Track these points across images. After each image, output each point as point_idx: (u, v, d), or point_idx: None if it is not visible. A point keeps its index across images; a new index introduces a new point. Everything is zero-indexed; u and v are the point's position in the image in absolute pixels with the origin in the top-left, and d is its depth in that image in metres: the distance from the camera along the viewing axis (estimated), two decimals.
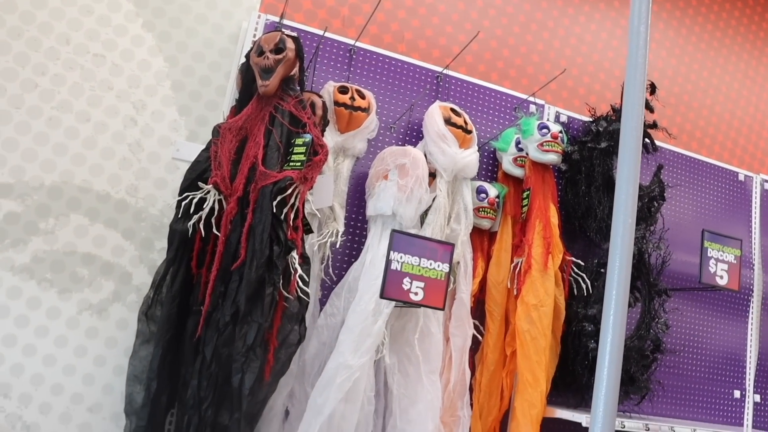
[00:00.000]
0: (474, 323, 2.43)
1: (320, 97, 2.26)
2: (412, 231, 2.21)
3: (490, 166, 2.70)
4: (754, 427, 3.11)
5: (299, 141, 2.10)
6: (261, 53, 2.14)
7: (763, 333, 3.21)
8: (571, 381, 2.49)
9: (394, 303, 2.10)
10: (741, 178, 3.34)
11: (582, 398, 2.55)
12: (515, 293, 2.40)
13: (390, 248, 2.03)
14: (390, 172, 2.29)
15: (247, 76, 2.21)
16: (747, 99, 3.68)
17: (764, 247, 3.31)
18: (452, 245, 2.13)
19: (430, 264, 2.08)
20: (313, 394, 2.03)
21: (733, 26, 3.73)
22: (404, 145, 2.45)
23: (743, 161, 3.56)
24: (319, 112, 2.22)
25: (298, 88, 2.20)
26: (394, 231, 2.06)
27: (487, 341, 2.42)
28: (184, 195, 2.07)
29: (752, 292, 3.22)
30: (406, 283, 2.04)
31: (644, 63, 1.11)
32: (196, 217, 2.04)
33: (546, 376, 2.32)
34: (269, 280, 1.94)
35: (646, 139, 2.72)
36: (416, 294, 2.05)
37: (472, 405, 2.38)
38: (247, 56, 2.20)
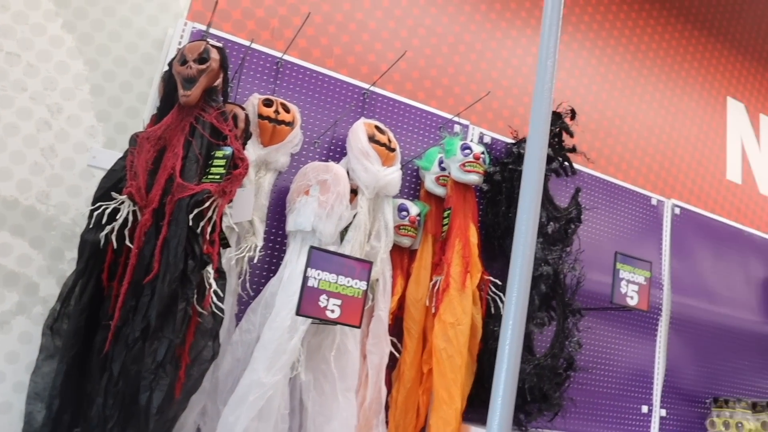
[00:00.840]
0: (392, 341, 2.44)
1: (243, 109, 2.23)
2: (332, 247, 2.21)
3: (413, 185, 2.72)
4: None
5: (219, 153, 2.07)
6: (184, 62, 2.11)
7: (670, 350, 3.35)
8: (487, 398, 2.53)
9: (310, 320, 2.08)
10: (654, 202, 3.49)
11: None
12: (433, 311, 2.42)
13: (307, 265, 2.02)
14: (311, 187, 2.28)
15: (169, 84, 2.17)
16: (661, 128, 3.85)
17: (673, 269, 3.46)
18: (370, 263, 2.14)
19: (348, 282, 2.08)
20: (225, 411, 1.99)
21: (651, 58, 3.91)
22: (328, 161, 2.44)
23: (656, 186, 3.72)
24: (242, 124, 2.19)
25: (221, 99, 2.17)
26: (312, 248, 2.05)
27: (404, 359, 2.43)
28: (97, 204, 2.00)
29: (661, 311, 3.36)
30: (322, 300, 2.03)
31: (550, 95, 1.15)
32: (108, 227, 1.97)
33: (461, 394, 2.35)
34: (182, 295, 1.89)
35: (566, 163, 2.81)
36: (333, 311, 2.04)
37: (387, 422, 2.39)
38: (170, 64, 2.15)
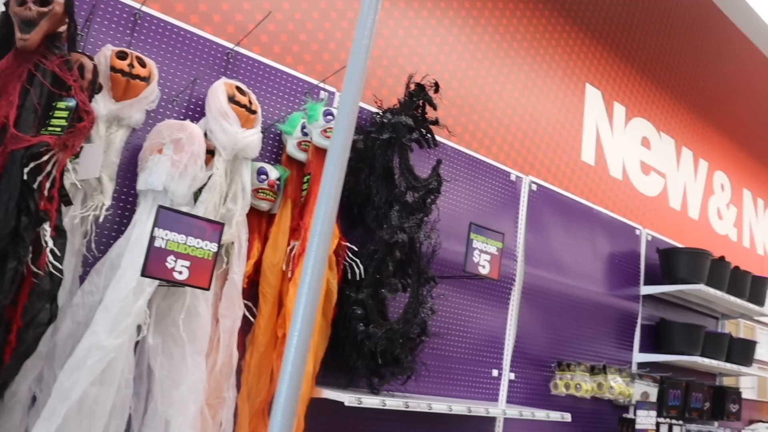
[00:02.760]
0: (247, 305, 2.42)
1: (92, 59, 2.10)
2: (185, 208, 2.15)
3: (275, 149, 2.70)
4: (508, 401, 3.44)
5: (61, 105, 1.95)
6: (22, 3, 1.95)
7: (521, 318, 3.56)
8: (341, 362, 2.58)
9: (157, 282, 2.02)
10: (513, 178, 3.67)
11: (351, 379, 2.66)
12: (289, 276, 2.43)
13: (155, 225, 1.96)
14: (165, 146, 2.20)
15: (5, 26, 2.00)
16: (524, 108, 4.04)
17: (527, 242, 3.66)
18: (222, 224, 2.10)
19: (198, 243, 2.04)
20: (61, 376, 1.90)
21: (518, 41, 4.07)
22: (185, 120, 2.36)
23: (516, 163, 3.90)
24: (89, 75, 2.07)
25: (66, 47, 2.03)
26: (160, 207, 1.99)
27: (258, 323, 2.42)
28: None
29: (514, 281, 3.55)
30: (170, 261, 1.98)
31: (367, 52, 1.17)
32: None
33: (314, 358, 2.37)
34: (13, 254, 1.78)
35: (428, 135, 2.89)
36: (181, 273, 2.00)
37: (239, 386, 2.38)
38: (6, 4, 1.99)
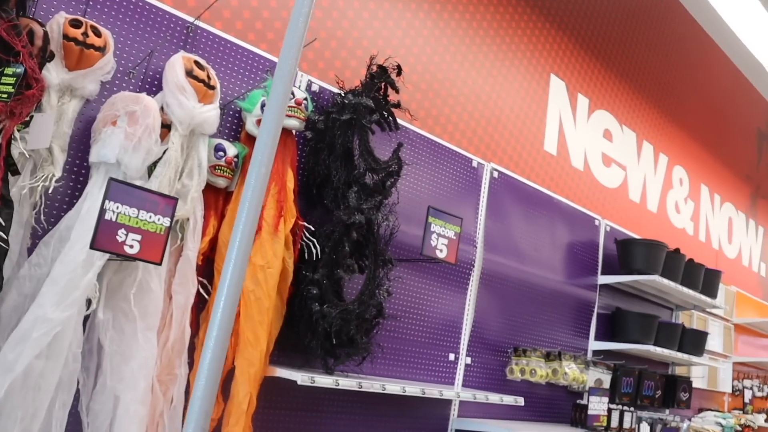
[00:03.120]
0: (202, 282, 2.40)
1: (42, 26, 2.05)
2: (138, 182, 2.11)
3: (234, 126, 2.67)
4: (463, 385, 3.48)
5: (9, 71, 1.90)
6: None
7: (479, 303, 3.59)
8: (297, 342, 2.58)
9: (108, 255, 1.99)
10: (474, 164, 3.69)
11: (307, 359, 2.65)
12: None
13: (106, 197, 1.92)
14: (119, 118, 2.15)
15: None
16: (488, 95, 4.06)
17: (487, 228, 3.69)
18: (175, 199, 2.07)
19: (150, 217, 2.01)
20: (5, 349, 1.87)
21: (485, 28, 4.08)
22: (142, 93, 2.32)
23: (479, 150, 3.93)
24: (39, 42, 2.01)
25: (15, 12, 1.98)
26: (111, 179, 1.95)
27: (213, 301, 2.40)
28: None
29: (473, 266, 3.58)
30: (120, 234, 1.95)
31: (305, 25, 1.16)
32: None
33: (268, 336, 2.37)
34: None
35: (389, 117, 2.88)
36: (131, 247, 1.97)
37: (192, 364, 2.36)
38: None
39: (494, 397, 3.06)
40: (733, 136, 7.31)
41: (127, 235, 1.96)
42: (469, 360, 3.52)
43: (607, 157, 5.17)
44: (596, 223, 4.62)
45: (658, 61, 5.92)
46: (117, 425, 2.06)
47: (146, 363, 2.11)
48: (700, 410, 5.77)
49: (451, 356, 3.45)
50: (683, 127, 6.30)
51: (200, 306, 2.43)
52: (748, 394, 6.26)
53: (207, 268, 2.46)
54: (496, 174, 3.81)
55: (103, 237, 1.91)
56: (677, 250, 4.68)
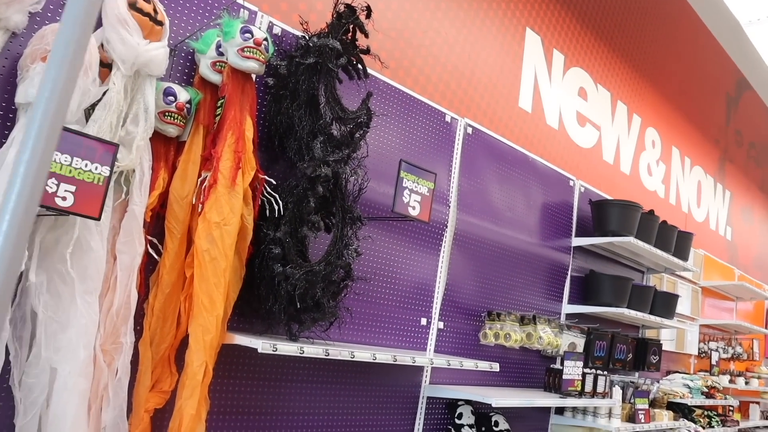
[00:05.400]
0: (151, 241, 2.17)
1: None
2: (74, 128, 1.85)
3: (187, 70, 2.40)
4: (436, 351, 3.32)
5: None
6: None
7: (452, 266, 3.42)
8: (258, 306, 2.37)
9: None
10: (448, 119, 3.48)
11: (269, 325, 2.45)
12: (199, 210, 2.17)
13: None
14: (50, 53, 1.88)
15: None
16: (462, 47, 3.84)
17: (461, 186, 3.51)
18: (115, 145, 1.82)
19: (86, 165, 1.76)
20: None
21: None
22: None
23: (452, 104, 3.71)
24: None
25: None
26: None
27: (164, 261, 2.17)
28: None
29: (446, 227, 3.40)
30: (51, 185, 1.70)
31: None
32: None
33: (225, 301, 2.15)
34: None
35: (359, 65, 2.65)
36: (64, 199, 1.72)
37: (142, 331, 2.14)
38: None
39: (469, 363, 2.90)
40: (703, 99, 7.23)
41: (58, 186, 1.71)
42: (441, 324, 3.36)
43: (582, 116, 5.02)
44: (571, 183, 4.48)
45: (634, 20, 5.75)
46: (55, 400, 1.84)
47: (86, 330, 1.88)
48: (668, 372, 5.76)
49: (423, 321, 3.28)
50: (657, 89, 6.17)
51: (150, 268, 2.20)
52: (714, 356, 6.28)
53: (157, 226, 2.22)
54: (470, 130, 3.61)
55: None
56: (651, 212, 4.57)
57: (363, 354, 2.44)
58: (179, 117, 2.19)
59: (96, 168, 1.77)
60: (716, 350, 6.40)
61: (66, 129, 1.72)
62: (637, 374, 5.10)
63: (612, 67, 5.44)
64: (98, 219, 1.79)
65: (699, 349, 6.36)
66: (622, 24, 5.57)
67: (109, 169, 1.79)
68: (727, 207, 7.79)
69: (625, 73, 5.64)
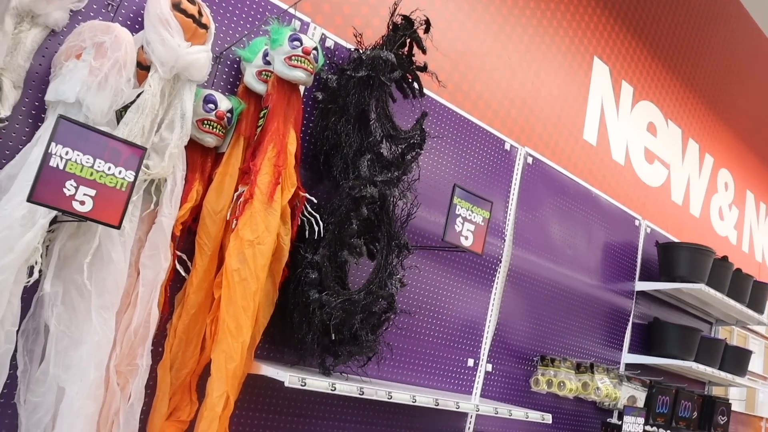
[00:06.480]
0: (180, 257, 2.02)
1: None
2: (102, 128, 1.73)
3: (231, 78, 2.27)
4: (482, 395, 3.06)
5: None
6: None
7: (504, 304, 3.17)
8: (289, 334, 2.18)
9: (53, 213, 1.61)
10: (507, 147, 3.26)
11: (302, 356, 2.26)
12: (233, 227, 2.01)
13: (52, 138, 1.54)
14: (85, 50, 1.77)
15: None
16: (525, 73, 3.63)
17: (518, 219, 3.27)
18: (143, 149, 1.68)
19: (109, 168, 1.62)
20: None
21: (524, 0, 3.66)
22: (114, 23, 1.93)
23: (512, 132, 3.50)
24: None
25: None
26: (60, 117, 1.56)
27: (191, 280, 2.01)
28: None
29: (500, 261, 3.16)
30: (69, 187, 1.56)
31: None
32: None
33: (254, 326, 1.97)
34: None
35: (414, 83, 2.48)
36: (83, 204, 1.58)
37: (163, 353, 1.97)
38: None
39: (518, 413, 2.64)
40: None
41: (77, 189, 1.57)
42: (489, 367, 3.10)
43: (650, 153, 4.71)
44: (636, 223, 4.17)
45: (708, 54, 5.44)
46: (59, 423, 1.68)
47: (99, 349, 1.72)
48: None
49: (470, 361, 3.03)
50: (730, 127, 5.81)
51: (177, 286, 2.05)
52: None
53: (188, 242, 2.07)
54: (530, 160, 3.39)
55: (46, 188, 1.52)
56: (725, 258, 4.21)
57: (401, 395, 2.22)
58: (219, 126, 2.05)
59: (120, 172, 1.63)
60: None
61: (88, 127, 1.59)
62: None
63: (683, 102, 5.13)
64: (118, 227, 1.64)
65: None
66: (695, 57, 5.27)
67: (134, 174, 1.65)
68: None
69: (698, 110, 5.32)
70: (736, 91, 5.89)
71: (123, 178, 1.64)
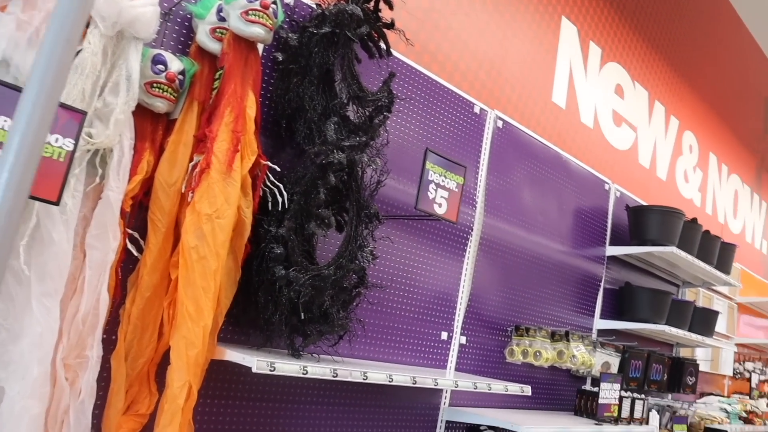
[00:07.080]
0: (131, 235, 1.83)
1: None
2: None
3: (182, 38, 2.07)
4: (457, 368, 2.97)
5: None
6: None
7: (477, 274, 3.06)
8: (256, 315, 2.02)
9: None
10: (477, 110, 3.12)
11: (269, 338, 2.10)
12: (189, 199, 1.83)
13: None
14: (11, 2, 1.56)
15: None
16: (494, 34, 3.49)
17: (489, 186, 3.15)
18: (83, 113, 1.49)
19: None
20: None
21: None
22: None
23: (480, 95, 3.36)
24: None
25: None
26: None
27: (145, 260, 1.83)
28: None
29: (472, 230, 3.04)
30: None
31: None
32: None
33: (214, 308, 1.80)
34: None
35: (381, 42, 2.31)
36: None
37: (116, 341, 1.80)
38: None
39: (498, 386, 2.54)
40: (741, 104, 6.82)
41: None
42: (464, 339, 3.00)
43: (618, 116, 4.64)
44: (606, 187, 4.10)
45: (673, 16, 5.37)
46: (0, 427, 1.50)
47: (42, 342, 1.54)
48: (702, 395, 5.35)
49: (444, 335, 2.92)
50: (694, 90, 5.78)
51: (129, 267, 1.86)
52: (755, 378, 5.85)
53: (139, 218, 1.88)
54: (500, 123, 3.26)
55: None
56: (695, 220, 4.18)
57: (377, 375, 2.09)
58: (170, 90, 1.85)
59: (56, 140, 1.44)
60: (753, 371, 5.98)
61: (16, 88, 1.39)
62: (670, 396, 4.71)
63: (650, 64, 5.06)
64: (56, 203, 1.45)
65: (734, 369, 5.94)
66: (660, 19, 5.19)
67: (73, 142, 1.46)
68: (763, 219, 7.36)
69: (663, 72, 5.26)
70: (699, 55, 5.85)
71: (60, 147, 1.44)
